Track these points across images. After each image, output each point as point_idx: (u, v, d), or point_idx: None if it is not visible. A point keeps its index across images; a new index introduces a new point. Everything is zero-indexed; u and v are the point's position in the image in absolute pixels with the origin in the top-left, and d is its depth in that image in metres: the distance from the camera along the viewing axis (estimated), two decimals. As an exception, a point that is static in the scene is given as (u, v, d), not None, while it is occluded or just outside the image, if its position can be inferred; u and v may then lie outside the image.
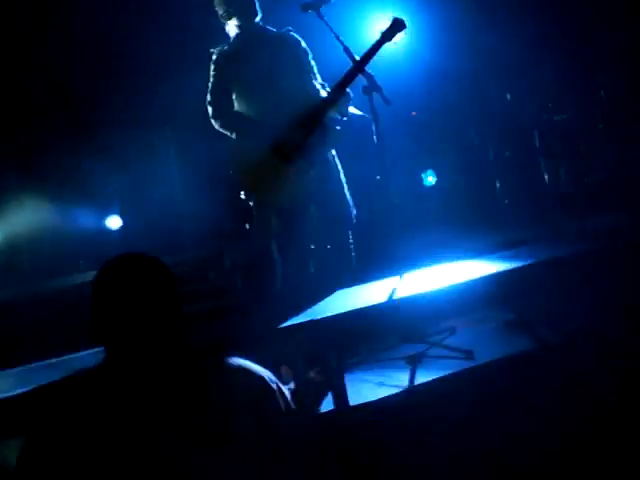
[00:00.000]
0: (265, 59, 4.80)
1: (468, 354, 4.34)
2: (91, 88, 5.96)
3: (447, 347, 4.47)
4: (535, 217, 6.30)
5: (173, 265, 2.49)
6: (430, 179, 6.20)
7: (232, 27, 4.90)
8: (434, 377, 4.09)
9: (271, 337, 3.77)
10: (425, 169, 6.23)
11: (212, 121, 4.85)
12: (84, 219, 6.01)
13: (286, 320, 3.88)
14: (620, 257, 4.73)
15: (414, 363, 4.32)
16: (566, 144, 6.49)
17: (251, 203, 4.79)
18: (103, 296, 2.32)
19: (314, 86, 4.88)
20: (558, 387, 3.98)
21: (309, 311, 4.10)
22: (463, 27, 6.22)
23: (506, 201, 6.59)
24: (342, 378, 3.78)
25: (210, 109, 4.83)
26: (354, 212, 4.90)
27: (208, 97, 4.84)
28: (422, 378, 4.11)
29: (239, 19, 4.85)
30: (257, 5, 4.89)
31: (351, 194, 4.93)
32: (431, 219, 6.19)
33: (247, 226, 5.09)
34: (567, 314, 4.66)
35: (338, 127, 4.75)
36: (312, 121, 4.59)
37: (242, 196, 4.75)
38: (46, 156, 5.86)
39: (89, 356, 3.57)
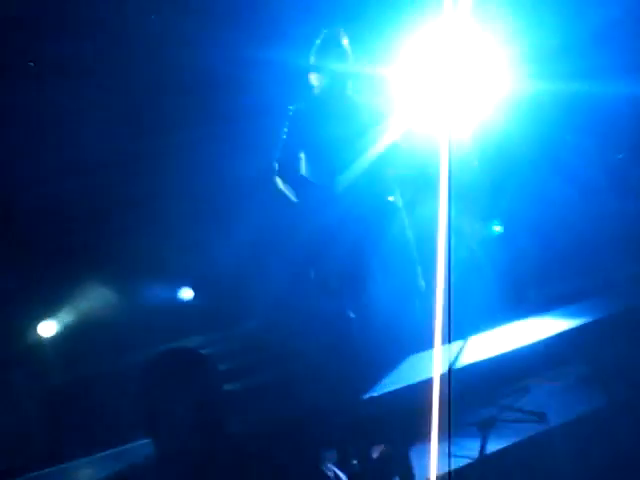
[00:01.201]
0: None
1: (541, 416, 4.26)
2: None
3: (519, 410, 4.40)
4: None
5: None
6: (497, 228, 6.12)
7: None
8: (506, 444, 4.03)
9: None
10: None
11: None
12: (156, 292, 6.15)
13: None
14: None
15: (486, 429, 4.26)
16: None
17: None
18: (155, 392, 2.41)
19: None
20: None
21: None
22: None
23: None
24: (407, 453, 3.75)
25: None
26: None
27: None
28: (493, 445, 4.05)
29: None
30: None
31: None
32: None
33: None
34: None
35: None
36: None
37: None
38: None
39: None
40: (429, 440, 4.32)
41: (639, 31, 5.62)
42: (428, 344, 4.78)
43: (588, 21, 5.45)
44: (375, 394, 3.94)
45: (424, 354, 4.64)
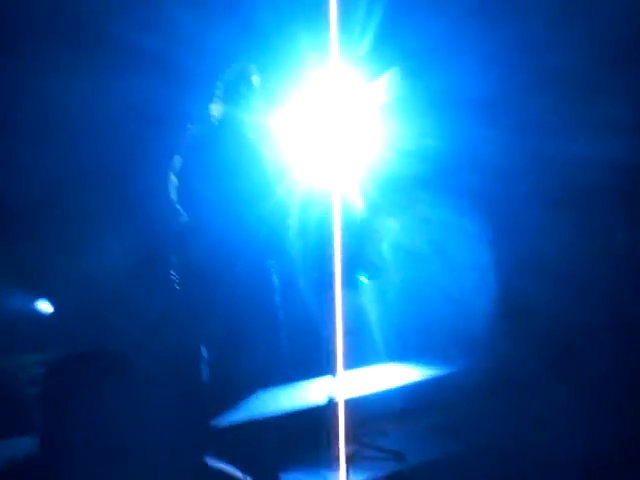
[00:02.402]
0: None
1: (399, 456, 4.44)
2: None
3: (379, 448, 4.56)
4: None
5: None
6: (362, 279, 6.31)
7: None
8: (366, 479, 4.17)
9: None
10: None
11: None
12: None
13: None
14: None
15: (348, 463, 4.38)
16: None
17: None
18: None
19: None
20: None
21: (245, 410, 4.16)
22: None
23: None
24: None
25: None
26: None
27: None
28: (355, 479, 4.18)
29: None
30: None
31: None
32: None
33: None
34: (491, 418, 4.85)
35: None
36: None
37: None
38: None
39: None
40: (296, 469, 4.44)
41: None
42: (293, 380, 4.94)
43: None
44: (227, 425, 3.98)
45: (291, 386, 4.76)
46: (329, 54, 4.94)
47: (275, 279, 4.98)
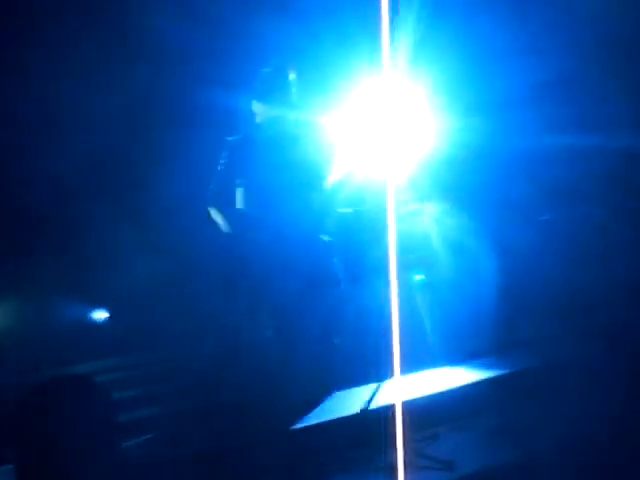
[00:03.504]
0: None
1: (448, 465, 4.28)
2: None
3: (428, 457, 4.41)
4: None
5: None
6: (418, 277, 6.18)
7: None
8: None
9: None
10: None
11: None
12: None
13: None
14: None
15: (393, 473, 4.25)
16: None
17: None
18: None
19: None
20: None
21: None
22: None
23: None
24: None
25: None
26: None
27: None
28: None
29: None
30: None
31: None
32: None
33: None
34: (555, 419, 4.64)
35: None
36: None
37: None
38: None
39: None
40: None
41: (577, 88, 5.81)
42: (349, 383, 4.85)
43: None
44: (299, 426, 3.92)
45: (345, 393, 4.67)
46: (379, 52, 4.82)
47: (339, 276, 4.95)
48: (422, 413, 4.68)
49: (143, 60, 5.33)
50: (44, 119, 5.20)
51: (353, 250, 5.18)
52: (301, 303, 4.79)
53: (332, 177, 4.86)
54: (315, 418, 4.43)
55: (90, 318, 6.05)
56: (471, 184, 5.61)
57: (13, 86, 5.08)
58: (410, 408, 4.56)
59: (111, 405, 2.40)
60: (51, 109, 5.21)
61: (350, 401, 4.70)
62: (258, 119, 4.88)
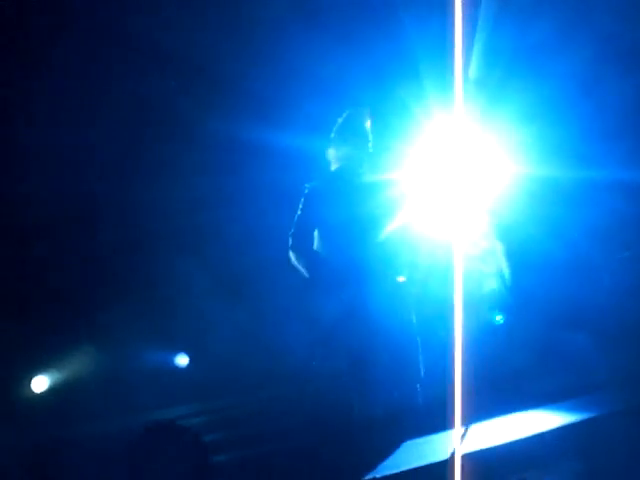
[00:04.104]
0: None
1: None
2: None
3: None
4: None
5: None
6: (498, 318, 6.15)
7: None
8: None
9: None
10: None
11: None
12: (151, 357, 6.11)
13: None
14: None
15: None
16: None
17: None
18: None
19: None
20: None
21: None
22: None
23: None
24: None
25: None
26: None
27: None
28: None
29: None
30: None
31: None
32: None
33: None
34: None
35: None
36: None
37: None
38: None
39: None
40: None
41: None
42: (426, 430, 4.80)
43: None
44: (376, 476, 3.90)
45: (421, 440, 4.62)
46: (451, 98, 4.87)
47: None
48: (509, 458, 4.64)
49: (226, 107, 5.44)
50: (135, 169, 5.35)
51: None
52: (380, 352, 4.81)
53: (403, 222, 4.89)
54: (390, 468, 4.40)
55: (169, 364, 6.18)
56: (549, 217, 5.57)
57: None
58: (495, 454, 4.54)
59: (202, 447, 2.52)
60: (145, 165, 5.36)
61: (427, 450, 4.67)
62: (333, 166, 4.96)
